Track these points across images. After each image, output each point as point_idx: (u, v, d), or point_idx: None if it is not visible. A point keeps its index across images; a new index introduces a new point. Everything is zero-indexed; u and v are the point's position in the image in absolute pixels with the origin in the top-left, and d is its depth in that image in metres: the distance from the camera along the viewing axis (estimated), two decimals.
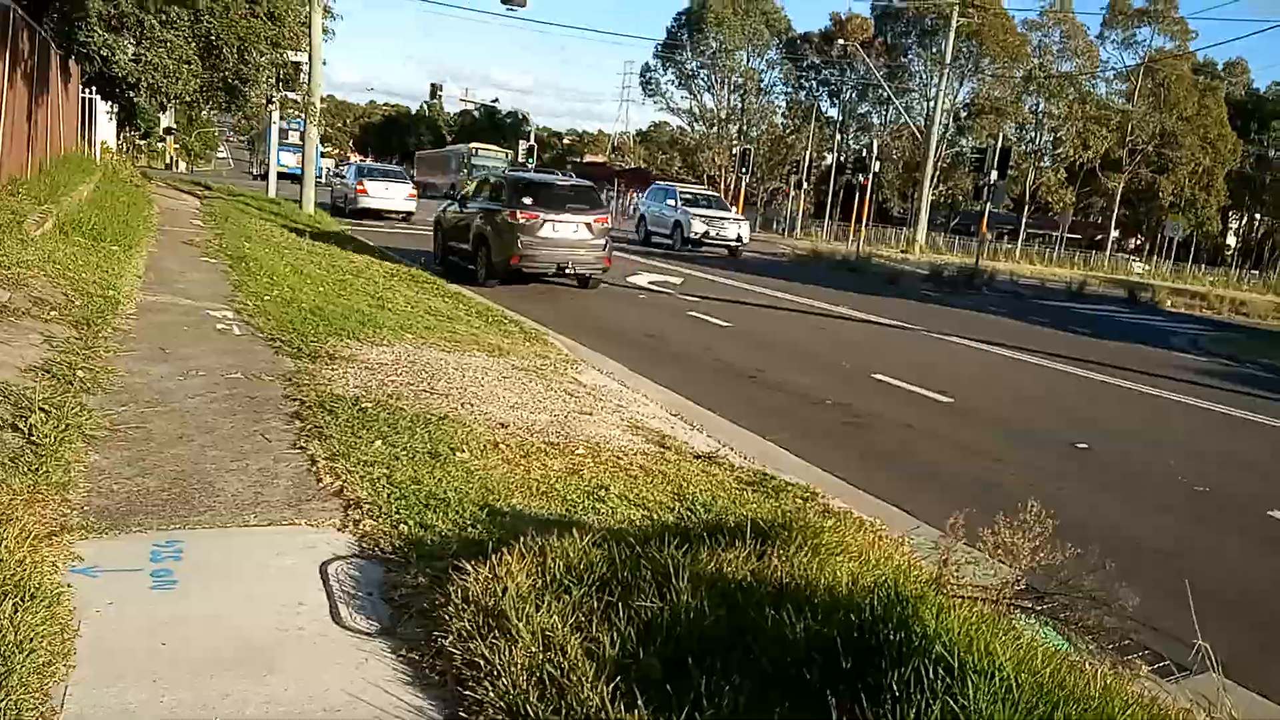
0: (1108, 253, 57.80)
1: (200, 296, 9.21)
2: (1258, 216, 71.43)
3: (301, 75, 25.92)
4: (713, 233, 27.49)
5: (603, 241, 14.77)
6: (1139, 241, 69.63)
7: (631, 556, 3.35)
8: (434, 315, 9.94)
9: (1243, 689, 3.71)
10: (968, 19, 48.47)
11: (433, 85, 62.69)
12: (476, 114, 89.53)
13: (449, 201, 17.67)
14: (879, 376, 10.13)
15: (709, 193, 33.47)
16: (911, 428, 8.09)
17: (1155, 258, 58.69)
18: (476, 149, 56.31)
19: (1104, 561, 3.53)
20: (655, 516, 4.54)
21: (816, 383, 9.52)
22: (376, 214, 28.14)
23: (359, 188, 28.60)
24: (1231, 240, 73.76)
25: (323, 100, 28.16)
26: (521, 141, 59.67)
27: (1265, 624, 4.70)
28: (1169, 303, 30.60)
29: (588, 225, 14.54)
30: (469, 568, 3.32)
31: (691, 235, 27.34)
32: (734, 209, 33.85)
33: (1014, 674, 2.43)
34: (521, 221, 13.97)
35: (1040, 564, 3.34)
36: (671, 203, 28.90)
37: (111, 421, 4.93)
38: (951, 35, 40.18)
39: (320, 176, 42.03)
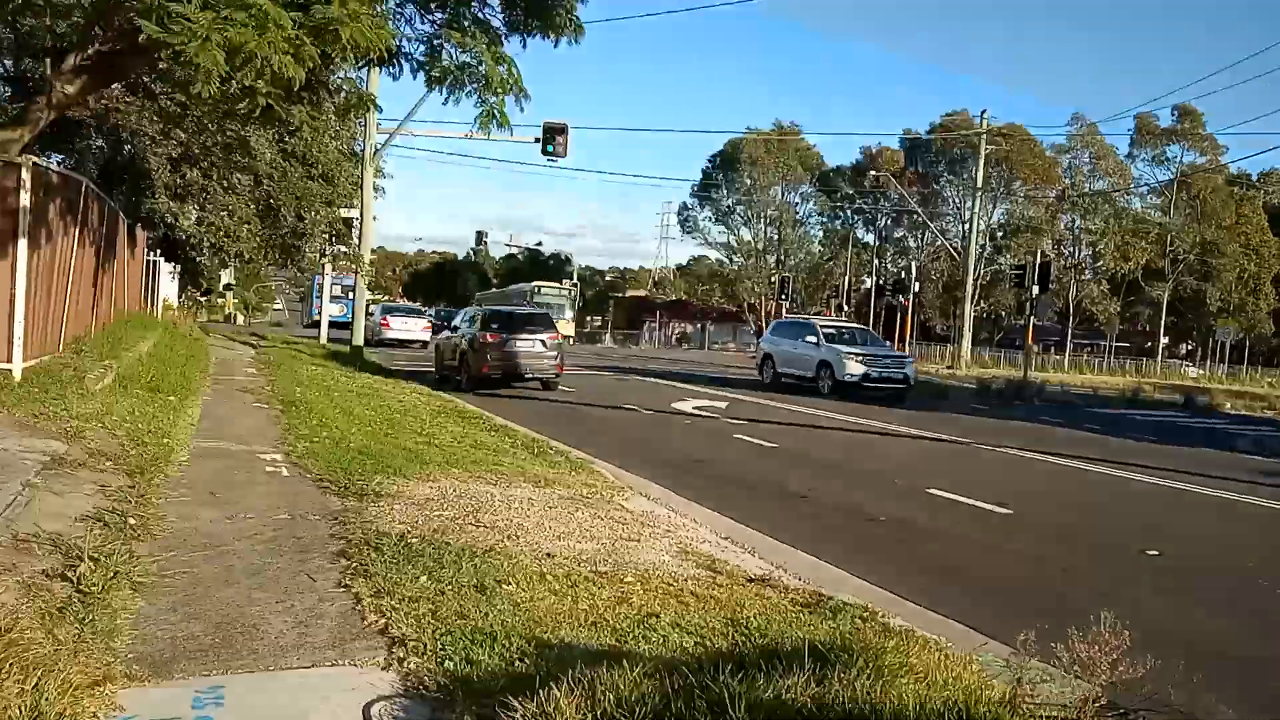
0: (1159, 359, 56.86)
1: (251, 441, 9.35)
2: None
3: (353, 230, 27.06)
4: (874, 373, 22.44)
5: (555, 353, 19.28)
6: (1190, 347, 68.48)
7: (685, 687, 3.20)
8: (481, 449, 9.97)
9: None
10: (995, 145, 49.49)
11: (478, 232, 65.60)
12: (520, 257, 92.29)
13: (445, 333, 22.34)
14: (933, 491, 9.87)
15: (855, 326, 28.42)
16: (971, 541, 7.81)
17: (1208, 362, 57.59)
18: (540, 286, 56.80)
19: (1190, 675, 3.30)
20: (708, 643, 4.37)
21: (869, 500, 9.29)
22: (398, 343, 35.24)
23: (383, 322, 36.68)
24: None
25: (372, 252, 29.32)
26: (565, 280, 61.79)
27: None
28: (1228, 405, 29.80)
29: (542, 341, 19.16)
30: (516, 704, 3.19)
31: (847, 377, 22.36)
32: (889, 343, 30.40)
33: None
34: (489, 341, 18.76)
35: (1121, 678, 3.13)
36: (812, 339, 23.85)
37: (160, 567, 4.93)
38: (981, 163, 40.90)
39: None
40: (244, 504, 6.53)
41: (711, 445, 13.21)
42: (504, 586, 4.94)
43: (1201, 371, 51.00)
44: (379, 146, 24.72)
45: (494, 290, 76.18)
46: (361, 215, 24.92)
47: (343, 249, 28.90)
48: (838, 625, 4.85)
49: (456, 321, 21.91)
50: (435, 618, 4.36)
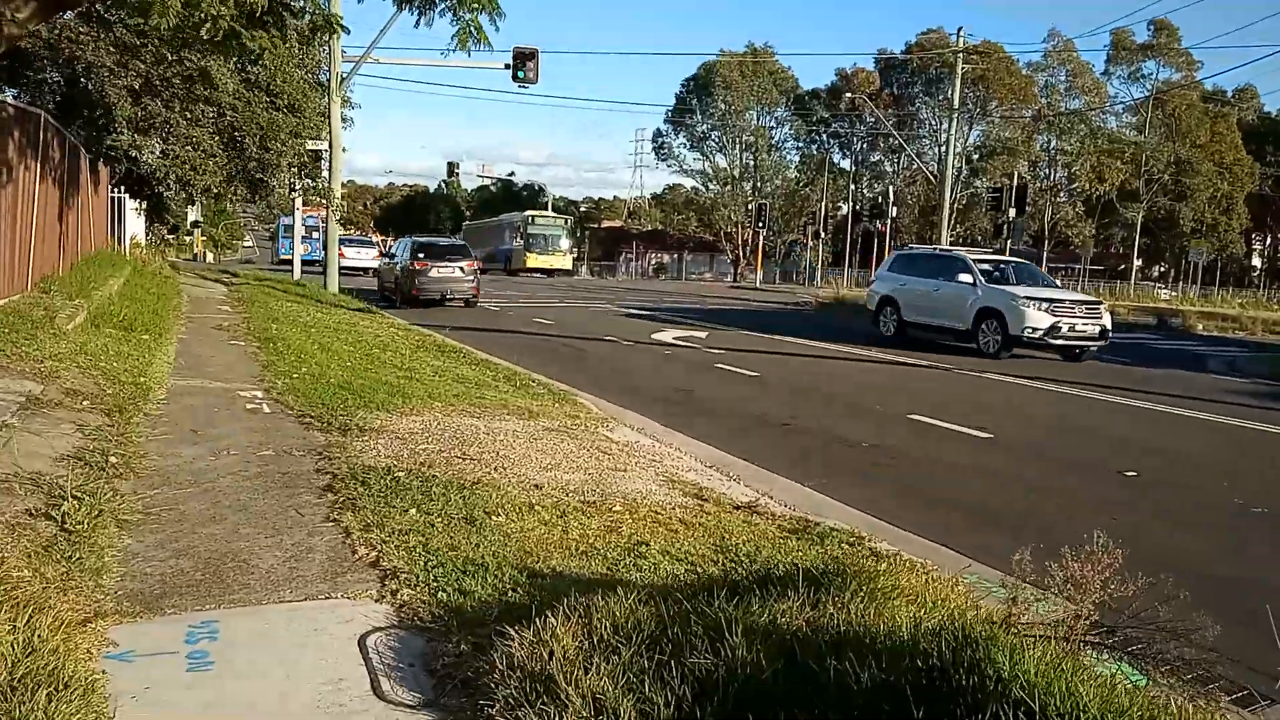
0: (1132, 281, 57.26)
1: (230, 378, 9.24)
2: None
3: (322, 163, 26.46)
4: (1064, 326, 16.65)
5: (472, 278, 23.47)
6: (1163, 268, 69.06)
7: (680, 613, 3.22)
8: (462, 382, 9.92)
9: None
10: (972, 65, 48.88)
11: (450, 164, 63.42)
12: (494, 189, 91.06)
13: (384, 260, 27.75)
14: (915, 417, 9.96)
15: (1018, 261, 21.03)
16: (953, 466, 7.90)
17: (1181, 283, 58.14)
18: (533, 216, 54.88)
19: (1178, 591, 3.36)
20: (699, 570, 4.41)
21: (852, 427, 9.36)
22: (352, 270, 33.35)
23: (340, 253, 27.45)
24: (1257, 261, 72.97)
25: (343, 185, 28.76)
26: (541, 208, 61.07)
27: None
28: (1200, 327, 30.15)
29: (461, 269, 23.33)
30: (512, 633, 3.20)
31: (1027, 332, 16.57)
32: (1058, 281, 23.60)
33: (1100, 715, 2.27)
34: (417, 268, 22.86)
35: (1111, 597, 3.18)
36: (966, 278, 18.05)
37: (145, 505, 4.88)
38: (957, 82, 40.41)
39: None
40: (226, 441, 6.47)
41: (691, 375, 13.23)
42: (493, 518, 4.94)
43: (1174, 293, 51.44)
44: (345, 74, 24.03)
45: (478, 221, 70.65)
46: (330, 147, 24.33)
47: (311, 182, 28.34)
48: (825, 550, 4.91)
49: (394, 250, 26.23)
50: (426, 550, 4.36)
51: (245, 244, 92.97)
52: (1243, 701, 3.55)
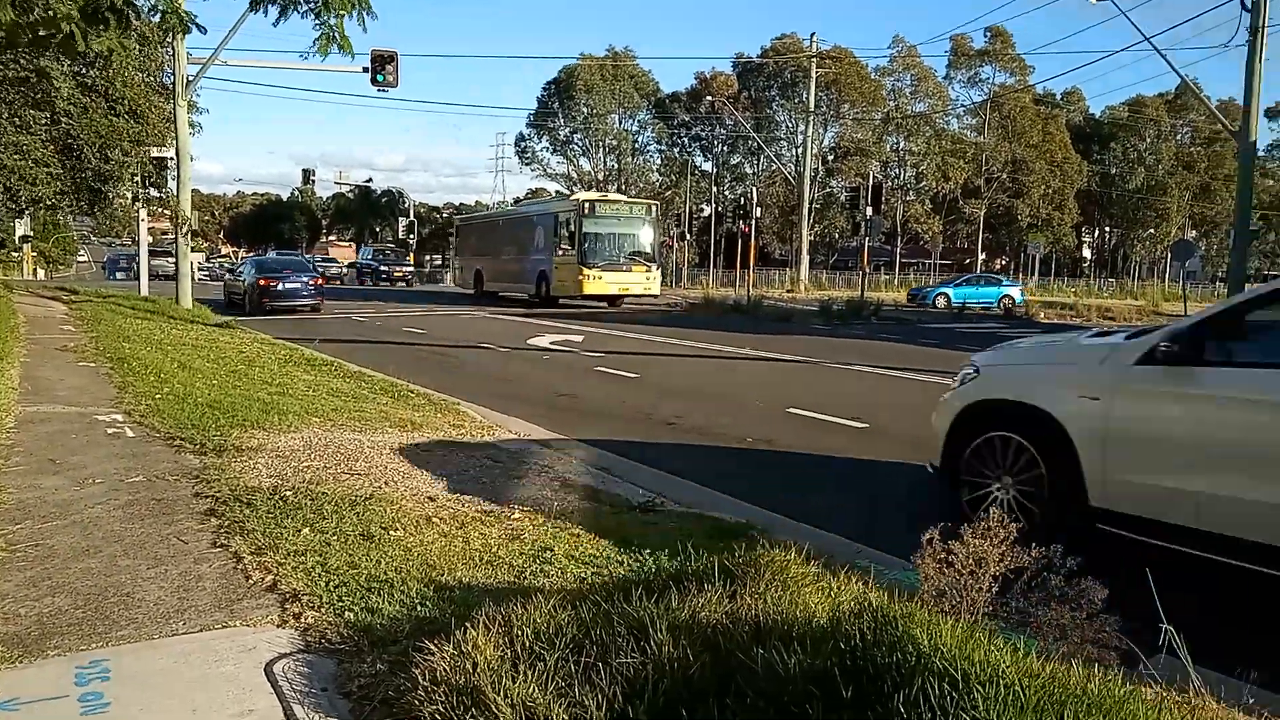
0: (978, 274, 60.57)
1: (84, 402, 8.66)
2: (1107, 229, 76.21)
3: (167, 171, 25.15)
4: None
5: (314, 290, 26.08)
6: (1005, 261, 73.31)
7: (602, 614, 3.22)
8: (338, 396, 9.61)
9: (1204, 669, 3.78)
10: (825, 69, 50.73)
11: (304, 170, 61.94)
12: (351, 196, 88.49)
13: (229, 274, 31.87)
14: (793, 410, 10.25)
15: None
16: (832, 456, 8.17)
17: (1021, 275, 61.85)
18: (593, 202, 30.43)
19: (1066, 560, 3.58)
20: (608, 571, 4.42)
21: (735, 422, 9.55)
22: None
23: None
24: (1087, 253, 78.40)
25: (191, 195, 27.32)
26: (401, 219, 59.05)
27: (1201, 603, 4.83)
28: (1042, 315, 32.17)
29: (304, 283, 25.91)
30: (432, 647, 3.13)
31: None
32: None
33: (1017, 680, 2.40)
34: (263, 285, 25.43)
35: (1008, 570, 3.36)
36: None
37: (8, 542, 4.53)
38: (812, 85, 41.94)
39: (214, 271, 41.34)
40: (90, 469, 6.07)
41: (573, 379, 13.21)
42: (391, 532, 4.82)
43: (1016, 284, 54.83)
44: (191, 77, 22.86)
45: (480, 217, 49.34)
46: (178, 155, 23.10)
47: (157, 192, 26.86)
48: (727, 544, 5.00)
49: (240, 269, 29.51)
50: (326, 569, 4.21)
51: (80, 259, 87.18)
52: (1125, 658, 3.80)
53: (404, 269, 52.45)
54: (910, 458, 8.19)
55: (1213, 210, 66.18)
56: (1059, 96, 68.73)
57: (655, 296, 31.31)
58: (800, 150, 55.14)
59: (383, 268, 52.28)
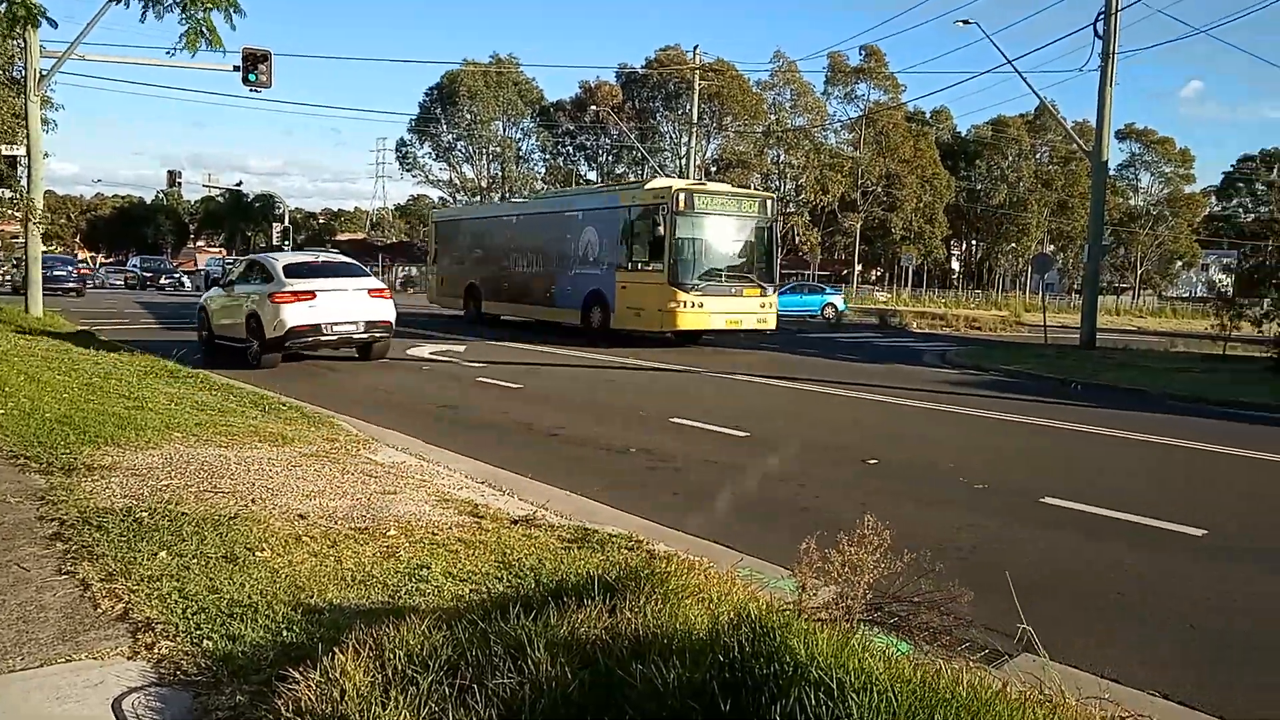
0: (854, 285, 62.55)
1: None
2: (974, 242, 79.88)
3: (18, 170, 23.63)
4: None
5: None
6: (880, 272, 75.99)
7: (478, 634, 3.13)
8: (204, 410, 9.15)
9: (1063, 665, 3.94)
10: (708, 82, 51.58)
11: (170, 172, 58.50)
12: (221, 199, 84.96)
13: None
14: (677, 420, 10.30)
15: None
16: (716, 463, 8.24)
17: (895, 286, 64.25)
18: (691, 193, 20.04)
19: (934, 565, 3.68)
20: (485, 589, 4.31)
21: (619, 433, 9.53)
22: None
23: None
24: (956, 265, 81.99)
25: (45, 196, 25.69)
26: (275, 224, 56.79)
27: (1058, 600, 5.06)
28: (915, 324, 33.43)
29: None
30: (296, 674, 2.97)
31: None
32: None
33: (890, 686, 2.43)
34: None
35: (881, 576, 3.42)
36: None
37: None
38: (695, 97, 42.56)
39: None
40: None
41: (456, 390, 12.96)
42: (257, 554, 4.59)
43: (890, 295, 56.86)
44: (45, 72, 21.52)
45: (497, 205, 41.38)
46: (29, 153, 21.69)
47: (8, 192, 25.17)
48: (607, 557, 4.95)
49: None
50: (183, 595, 3.97)
51: None
52: (989, 658, 3.93)
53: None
54: (787, 466, 8.33)
55: (1069, 226, 70.15)
56: (929, 115, 71.79)
57: (769, 331, 21.20)
58: (684, 161, 55.86)
59: None
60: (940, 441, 10.04)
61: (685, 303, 19.09)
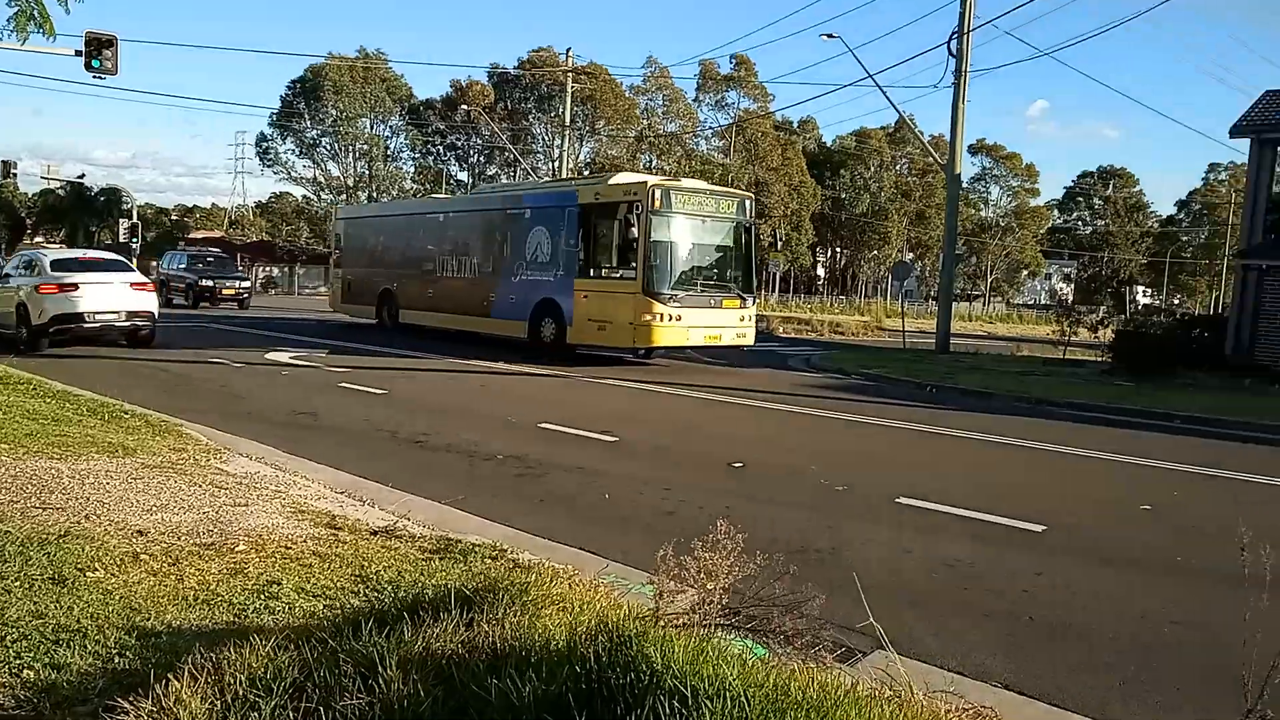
0: None
1: None
2: (839, 250, 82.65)
3: None
4: None
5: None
6: None
7: (327, 653, 3.00)
8: (36, 419, 8.52)
9: (913, 660, 4.09)
10: (581, 85, 51.61)
11: (4, 163, 53.90)
12: (62, 192, 79.64)
13: None
14: (546, 425, 10.24)
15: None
16: (584, 469, 8.22)
17: (763, 291, 65.77)
18: (668, 190, 17.16)
19: (788, 568, 3.75)
20: (340, 604, 4.16)
21: (486, 439, 9.40)
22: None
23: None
24: (821, 271, 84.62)
25: None
26: (122, 220, 53.46)
27: (912, 598, 5.26)
28: (781, 329, 34.31)
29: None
30: (126, 705, 2.79)
31: None
32: None
33: (743, 691, 2.46)
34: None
35: (736, 581, 3.47)
36: None
37: None
38: (568, 99, 42.55)
39: None
40: None
41: (319, 397, 12.52)
42: (89, 574, 4.30)
43: (758, 300, 58.42)
44: None
45: (419, 201, 40.67)
46: None
47: None
48: (470, 567, 4.86)
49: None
50: (3, 622, 3.67)
51: None
52: (843, 657, 4.04)
53: (236, 283, 36.24)
54: (655, 470, 8.39)
55: (926, 235, 73.48)
56: (796, 124, 73.96)
57: (747, 348, 18.90)
58: (556, 164, 55.75)
59: (205, 281, 34.96)
60: (804, 444, 10.32)
61: (662, 315, 16.50)
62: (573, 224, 18.43)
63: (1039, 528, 6.73)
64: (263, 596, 4.22)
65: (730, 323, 17.67)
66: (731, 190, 19.76)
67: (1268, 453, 11.03)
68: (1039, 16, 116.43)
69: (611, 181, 18.84)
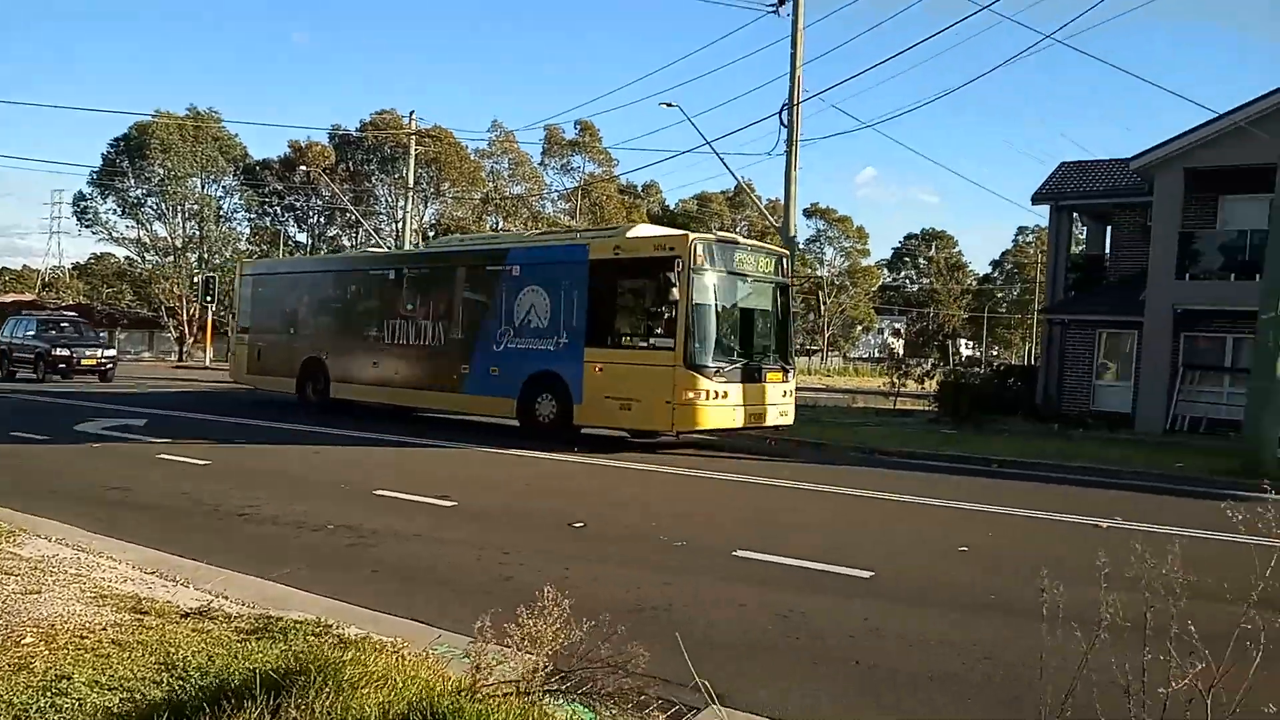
0: None
1: None
2: None
3: None
4: None
5: None
6: None
7: None
8: None
9: (746, 714, 4.12)
10: (425, 147, 51.32)
11: None
12: None
13: None
14: (380, 492, 9.90)
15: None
16: (420, 537, 7.97)
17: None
18: (711, 246, 15.06)
19: (615, 628, 3.72)
20: (138, 697, 3.84)
21: (317, 509, 8.99)
22: None
23: None
24: None
25: None
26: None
27: (746, 650, 5.31)
28: None
29: None
30: None
31: None
32: None
33: None
34: None
35: (563, 645, 3.41)
36: None
37: None
38: (411, 162, 42.11)
39: None
40: None
41: (132, 469, 11.69)
42: None
43: None
44: None
45: (361, 254, 31.92)
46: None
47: None
48: (290, 647, 4.60)
49: None
50: None
51: None
52: (675, 717, 4.03)
53: (98, 352, 30.69)
54: (497, 534, 8.23)
55: None
56: (640, 188, 75.85)
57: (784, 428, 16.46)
58: (400, 225, 54.91)
59: (59, 350, 29.70)
60: (645, 501, 10.38)
61: (708, 393, 14.05)
62: (581, 283, 15.47)
63: (867, 573, 6.96)
64: (49, 694, 3.84)
65: (775, 399, 15.41)
66: (770, 246, 17.58)
67: (1074, 492, 11.87)
68: (864, 90, 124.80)
69: (633, 234, 15.99)
